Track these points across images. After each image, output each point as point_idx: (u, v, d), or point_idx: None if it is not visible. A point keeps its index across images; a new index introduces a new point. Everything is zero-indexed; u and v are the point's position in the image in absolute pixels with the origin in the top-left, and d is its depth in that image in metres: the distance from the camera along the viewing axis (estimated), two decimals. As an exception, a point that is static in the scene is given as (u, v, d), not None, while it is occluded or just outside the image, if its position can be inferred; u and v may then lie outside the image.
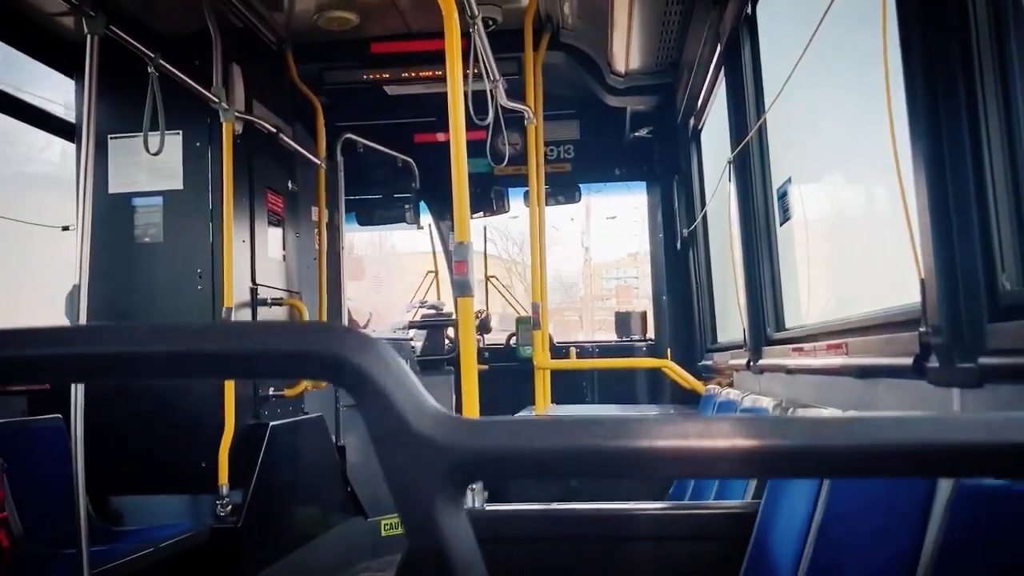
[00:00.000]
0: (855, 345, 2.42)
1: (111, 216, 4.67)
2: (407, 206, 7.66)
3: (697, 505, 2.84)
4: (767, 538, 2.43)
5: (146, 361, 0.59)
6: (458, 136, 2.83)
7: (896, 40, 1.84)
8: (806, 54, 2.85)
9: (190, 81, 4.38)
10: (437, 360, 7.17)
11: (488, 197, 7.66)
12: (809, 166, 3.56)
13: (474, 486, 2.65)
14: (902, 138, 1.83)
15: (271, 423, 4.87)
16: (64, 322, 4.07)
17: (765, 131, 3.80)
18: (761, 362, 3.73)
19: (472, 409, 2.71)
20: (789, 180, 3.57)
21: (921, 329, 1.82)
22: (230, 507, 4.45)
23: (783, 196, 3.60)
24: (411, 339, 7.22)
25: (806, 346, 3.00)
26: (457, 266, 2.79)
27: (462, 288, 2.78)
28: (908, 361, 1.91)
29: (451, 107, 2.88)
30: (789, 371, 3.19)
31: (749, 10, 3.81)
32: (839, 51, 2.78)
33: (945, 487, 1.40)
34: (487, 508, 2.63)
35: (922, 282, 1.81)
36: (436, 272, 8.64)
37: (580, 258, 29.50)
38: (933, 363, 1.80)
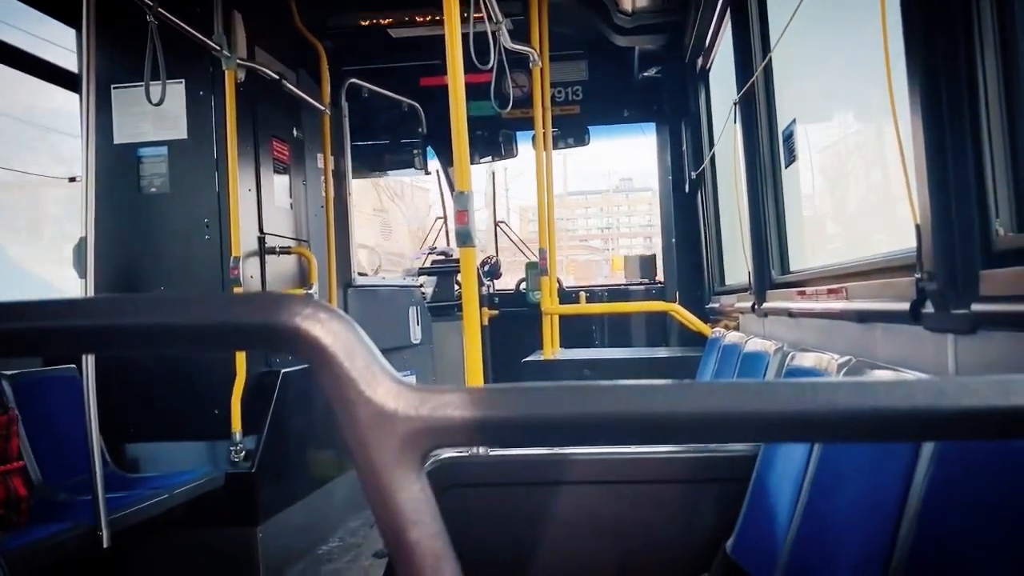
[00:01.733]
0: (854, 290, 2.42)
1: (117, 167, 4.68)
2: (415, 151, 7.62)
3: (698, 448, 2.87)
4: (767, 477, 2.46)
5: (86, 335, 0.60)
6: (456, 81, 2.80)
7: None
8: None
9: (190, 29, 4.34)
10: (447, 306, 7.20)
11: (496, 141, 7.60)
12: (815, 108, 3.52)
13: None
14: (899, 82, 1.80)
15: (283, 370, 4.92)
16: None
17: (771, 72, 3.74)
18: (765, 305, 3.73)
19: (475, 360, 2.73)
20: (794, 122, 3.53)
21: (916, 275, 1.81)
22: (244, 453, 4.52)
23: (788, 138, 3.56)
24: (421, 285, 7.24)
25: (808, 290, 3.00)
26: (458, 216, 2.78)
27: (463, 238, 2.78)
28: (905, 307, 1.91)
29: (449, 50, 2.86)
30: (792, 314, 3.19)
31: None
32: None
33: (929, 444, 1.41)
34: (491, 453, 2.67)
35: (917, 228, 1.80)
36: (445, 218, 8.63)
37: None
38: (928, 309, 1.80)
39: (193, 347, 0.60)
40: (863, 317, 2.30)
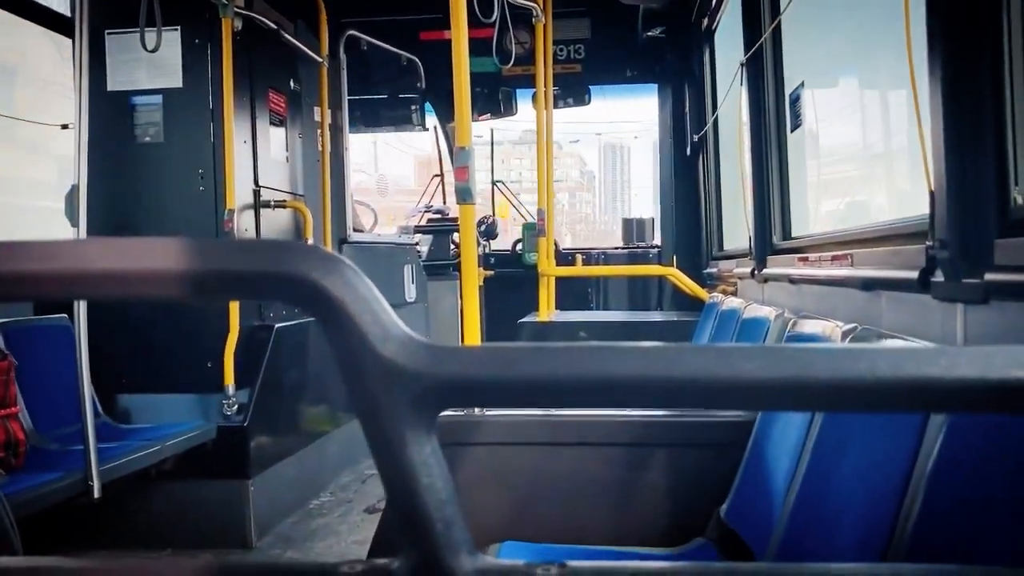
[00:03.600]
0: (860, 257, 2.38)
1: (111, 115, 4.60)
2: (413, 107, 7.53)
3: (698, 414, 2.86)
4: (764, 443, 2.45)
5: (88, 279, 0.56)
6: (460, 35, 2.73)
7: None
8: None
9: None
10: (443, 265, 7.16)
11: (496, 98, 7.51)
12: (824, 70, 3.46)
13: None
14: (918, 45, 1.75)
15: (276, 325, 4.89)
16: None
17: (779, 33, 3.67)
18: (766, 271, 3.70)
19: (472, 319, 2.70)
20: (802, 84, 3.47)
21: (927, 243, 1.78)
22: (236, 407, 4.50)
23: (795, 101, 3.50)
24: (416, 244, 7.19)
25: (811, 256, 2.96)
26: (458, 172, 2.73)
27: (463, 195, 2.73)
28: (913, 275, 1.88)
29: (453, 3, 2.78)
30: (793, 281, 3.16)
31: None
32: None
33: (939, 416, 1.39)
34: (485, 413, 2.65)
35: (931, 194, 1.76)
36: (442, 175, 8.54)
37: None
38: (938, 278, 1.77)
39: (195, 295, 0.57)
40: (868, 285, 2.27)
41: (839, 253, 2.59)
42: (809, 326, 2.40)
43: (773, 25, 3.61)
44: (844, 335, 2.06)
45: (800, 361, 0.55)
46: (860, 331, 2.00)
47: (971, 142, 1.64)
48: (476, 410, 2.63)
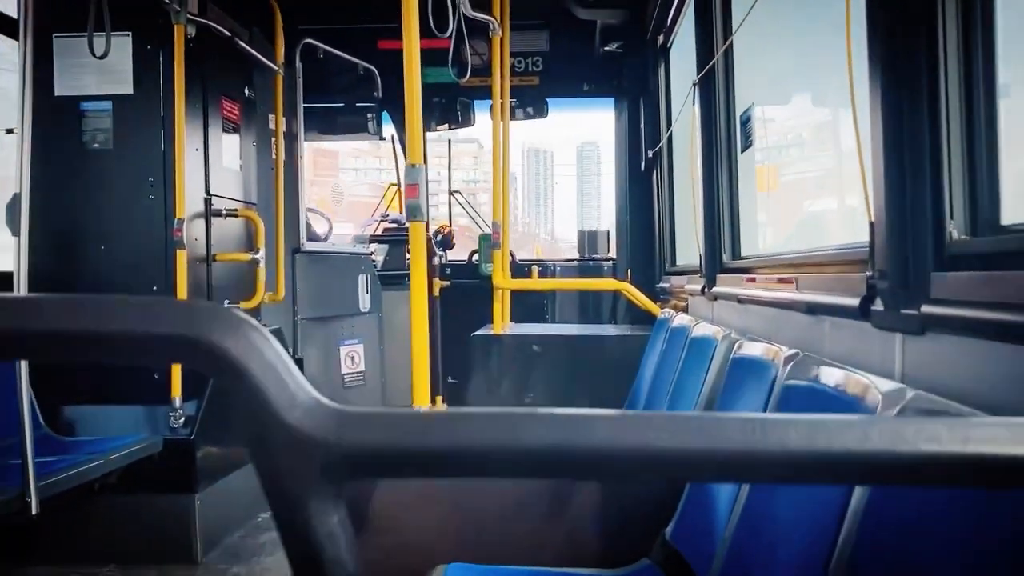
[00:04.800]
0: (804, 281, 2.41)
1: (57, 121, 4.51)
2: (370, 115, 7.49)
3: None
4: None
5: None
6: (412, 51, 2.72)
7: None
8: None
9: None
10: (399, 275, 7.12)
11: (453, 108, 7.50)
12: (775, 93, 3.51)
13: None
14: (860, 76, 1.78)
15: None
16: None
17: (731, 54, 3.71)
18: (715, 289, 3.73)
19: (421, 340, 2.68)
20: (752, 106, 3.51)
21: (867, 273, 1.80)
22: (183, 419, 4.43)
23: (746, 122, 3.54)
24: (372, 253, 7.15)
25: (758, 277, 2.99)
26: (409, 190, 2.71)
27: (413, 212, 2.71)
28: (854, 302, 1.90)
29: (405, 18, 2.77)
30: (740, 300, 3.19)
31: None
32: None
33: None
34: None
35: (871, 224, 1.79)
36: (399, 184, 8.50)
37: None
38: (878, 307, 1.80)
39: (81, 354, 0.54)
40: (812, 309, 2.29)
41: (784, 276, 2.62)
42: (753, 349, 2.41)
43: (725, 46, 3.65)
44: (786, 360, 2.08)
45: (714, 433, 0.55)
46: (801, 358, 2.02)
47: (910, 176, 1.66)
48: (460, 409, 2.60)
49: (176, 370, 4.38)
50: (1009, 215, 1.53)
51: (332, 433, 0.54)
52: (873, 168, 1.76)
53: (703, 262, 4.00)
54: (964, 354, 1.46)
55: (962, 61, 1.57)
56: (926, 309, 1.57)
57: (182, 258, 4.41)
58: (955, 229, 1.59)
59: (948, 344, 1.52)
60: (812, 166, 3.73)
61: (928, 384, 1.57)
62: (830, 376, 1.75)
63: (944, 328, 1.52)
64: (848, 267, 2.13)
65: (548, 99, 7.30)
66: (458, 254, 8.32)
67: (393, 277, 7.09)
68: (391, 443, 0.55)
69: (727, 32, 3.67)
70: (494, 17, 5.33)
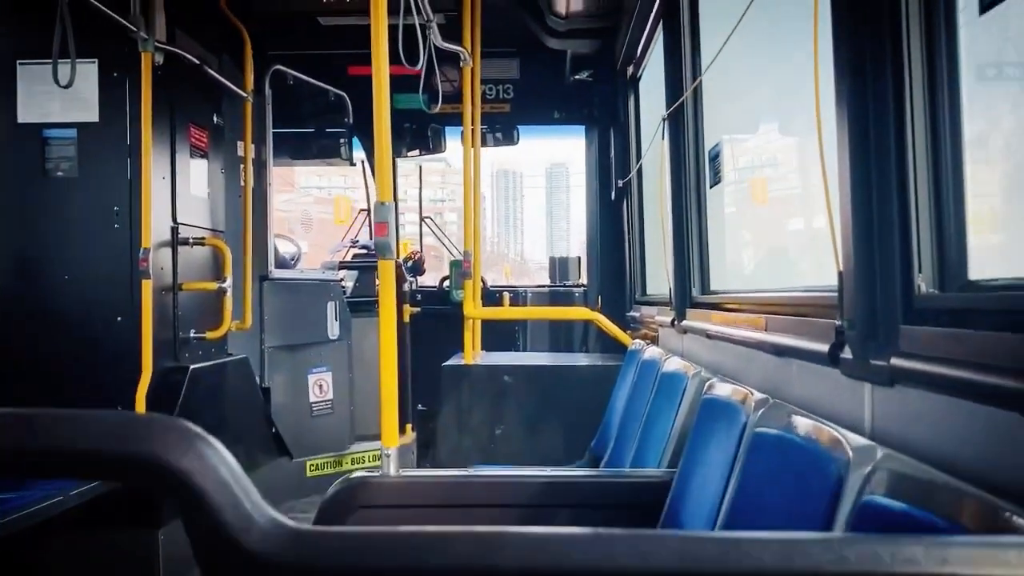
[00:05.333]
0: (774, 323, 2.41)
1: (21, 148, 4.45)
2: (341, 141, 7.46)
3: (613, 473, 2.85)
4: (680, 506, 2.45)
5: None
6: (381, 95, 2.71)
7: (828, 36, 1.79)
8: (747, 17, 2.78)
9: (105, 8, 4.13)
10: (368, 301, 7.07)
11: (424, 135, 7.51)
12: (744, 131, 3.53)
13: (389, 452, 2.61)
14: (829, 132, 1.79)
15: (192, 366, 4.75)
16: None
17: (701, 92, 3.74)
18: (685, 323, 3.74)
19: (390, 375, 2.65)
20: (721, 142, 3.53)
21: (837, 321, 1.81)
22: (147, 452, 4.35)
23: (715, 158, 3.56)
24: (341, 280, 7.10)
25: (728, 315, 3.00)
26: (378, 227, 2.69)
27: (383, 250, 2.69)
28: (823, 348, 1.90)
29: (374, 51, 2.76)
30: (710, 336, 3.19)
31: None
32: (777, 23, 2.72)
33: (848, 499, 1.40)
34: (402, 474, 2.60)
35: (840, 274, 1.79)
36: (369, 210, 8.46)
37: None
38: (847, 354, 1.80)
39: (27, 472, 0.52)
40: (780, 351, 2.29)
41: (753, 316, 2.62)
42: (723, 391, 2.41)
43: (695, 84, 3.67)
44: (756, 405, 2.08)
45: (688, 552, 0.53)
46: (772, 404, 2.01)
47: (879, 227, 1.67)
48: (387, 470, 2.58)
49: (141, 402, 4.31)
50: (976, 270, 1.53)
51: (291, 555, 0.51)
52: (841, 217, 1.77)
53: (673, 295, 4.01)
54: (933, 409, 1.46)
55: (929, 116, 1.58)
56: (895, 361, 1.57)
57: (148, 288, 4.35)
58: (923, 282, 1.60)
59: (917, 398, 1.52)
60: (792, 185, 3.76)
61: (898, 438, 1.57)
62: (801, 426, 1.75)
63: (913, 382, 1.52)
64: (818, 310, 2.14)
65: (519, 126, 7.32)
66: (428, 277, 8.30)
67: (363, 304, 7.04)
68: (351, 564, 0.53)
69: (696, 70, 3.70)
70: (465, 48, 5.34)
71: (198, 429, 0.52)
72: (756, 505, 1.86)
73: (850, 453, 1.48)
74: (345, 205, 10.20)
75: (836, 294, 1.85)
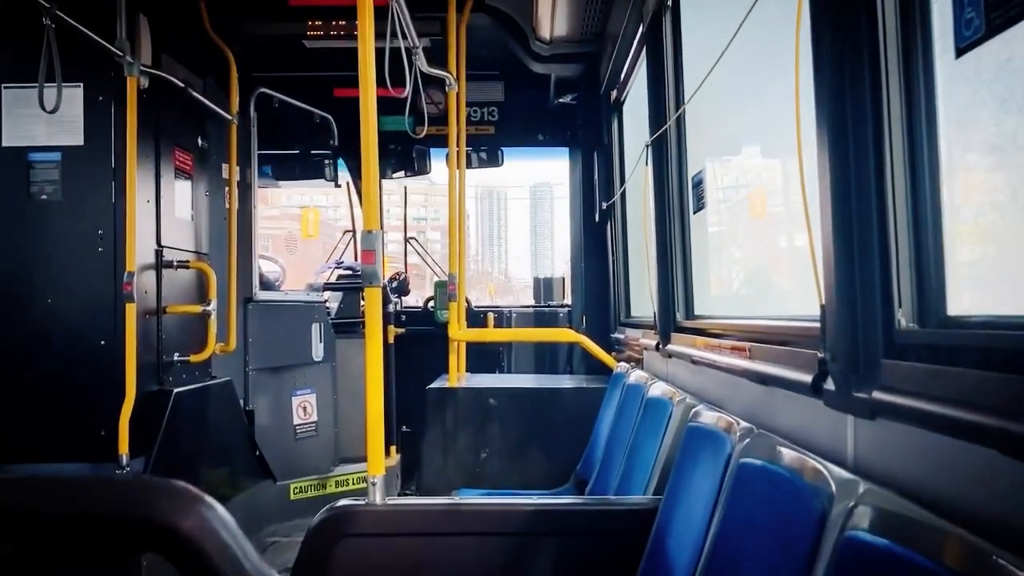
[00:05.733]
0: (758, 351, 2.44)
1: (5, 171, 4.44)
2: (326, 162, 7.49)
3: (599, 501, 2.86)
4: (666, 535, 2.46)
5: None
6: (369, 127, 2.73)
7: (808, 75, 1.82)
8: (730, 46, 2.82)
9: (91, 34, 4.14)
10: (353, 323, 7.07)
11: (410, 156, 7.54)
12: (725, 159, 3.57)
13: (375, 480, 2.61)
14: (811, 166, 1.82)
15: (175, 390, 4.74)
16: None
17: (683, 119, 3.78)
18: (669, 347, 3.76)
19: (376, 408, 2.65)
20: (703, 170, 3.57)
21: (819, 354, 1.83)
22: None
23: (698, 185, 3.60)
24: (325, 301, 7.09)
25: (712, 341, 3.02)
26: (365, 255, 2.70)
27: (370, 278, 2.70)
28: (807, 378, 1.93)
29: (361, 78, 2.78)
30: (695, 361, 3.21)
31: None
32: (760, 49, 2.76)
33: (832, 533, 1.42)
34: (388, 502, 2.60)
35: (822, 307, 1.82)
36: (354, 231, 8.47)
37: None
38: (830, 386, 1.82)
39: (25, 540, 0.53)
40: (765, 380, 2.32)
41: (738, 344, 2.64)
42: (709, 419, 2.43)
43: (679, 112, 3.71)
44: (741, 436, 2.10)
45: None
46: (757, 434, 2.04)
47: (859, 262, 1.70)
48: (373, 499, 2.58)
49: (124, 425, 4.29)
50: (955, 305, 1.56)
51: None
52: (823, 251, 1.80)
53: (657, 319, 4.03)
54: (914, 444, 1.48)
55: (908, 157, 1.62)
56: (877, 395, 1.59)
57: (132, 312, 4.34)
58: (903, 317, 1.63)
59: (899, 432, 1.54)
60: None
61: (880, 471, 1.60)
62: (785, 458, 1.77)
63: (894, 415, 1.55)
64: (800, 342, 2.16)
65: (503, 147, 7.37)
66: (412, 294, 8.30)
67: (347, 325, 7.04)
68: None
69: (679, 97, 3.74)
70: (450, 72, 5.38)
71: (197, 491, 0.53)
72: (741, 536, 1.88)
73: (833, 487, 1.50)
74: (314, 217, 10.16)
75: (819, 324, 1.88)
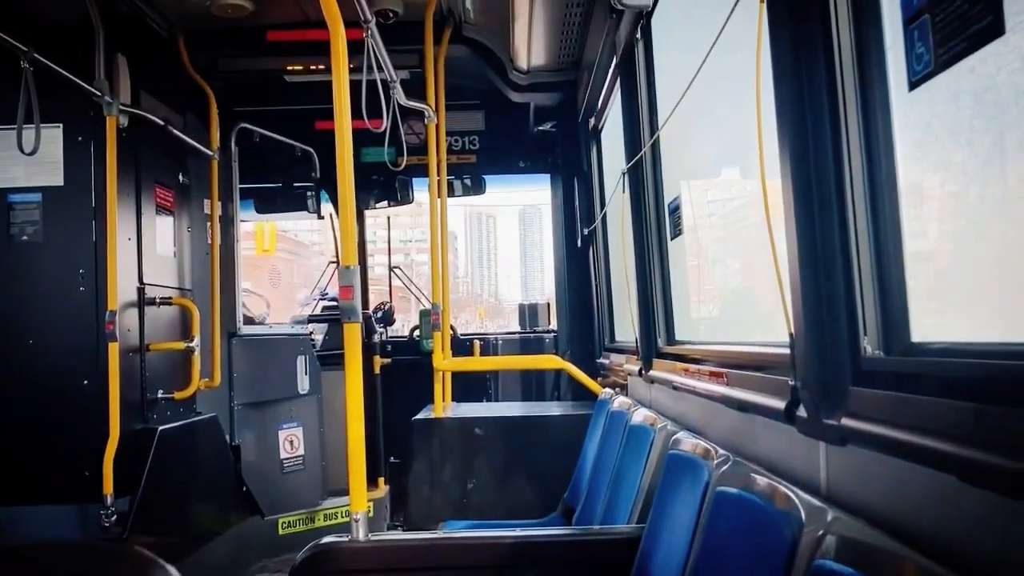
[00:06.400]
0: (734, 377, 2.46)
1: None
2: (309, 195, 7.50)
3: (582, 531, 2.87)
4: (648, 564, 2.47)
5: None
6: (345, 166, 2.75)
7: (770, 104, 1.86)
8: (700, 71, 2.86)
9: (69, 75, 4.17)
10: (338, 355, 7.05)
11: (392, 187, 7.57)
12: (700, 183, 3.61)
13: (358, 516, 2.61)
14: (775, 197, 1.85)
15: (160, 427, 4.72)
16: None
17: (658, 146, 3.82)
18: (652, 373, 3.78)
19: (358, 444, 2.66)
20: (680, 196, 3.61)
21: (790, 381, 1.85)
22: (115, 516, 4.31)
23: (675, 211, 3.63)
24: (310, 333, 7.09)
25: (691, 367, 3.04)
26: (343, 291, 2.72)
27: (348, 314, 2.71)
28: (780, 405, 1.95)
29: (339, 137, 2.81)
30: (676, 388, 3.23)
31: (643, 24, 3.82)
32: (735, 71, 2.80)
33: (802, 561, 1.44)
34: (371, 538, 2.60)
35: (791, 336, 1.84)
36: (338, 262, 8.47)
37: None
38: (802, 413, 1.84)
39: None
40: (742, 407, 2.34)
41: (716, 370, 2.67)
42: (688, 446, 2.45)
43: (652, 139, 3.76)
44: (718, 464, 2.11)
45: None
46: (732, 463, 2.05)
47: (825, 291, 1.72)
48: (356, 535, 2.58)
49: (108, 465, 4.27)
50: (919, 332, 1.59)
51: None
52: (791, 280, 1.82)
53: (639, 345, 4.05)
54: (883, 470, 1.50)
55: (869, 187, 1.65)
56: (846, 422, 1.61)
57: (114, 351, 4.33)
58: (869, 344, 1.65)
59: (868, 458, 1.56)
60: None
61: (850, 497, 1.62)
62: (758, 485, 1.79)
63: (863, 442, 1.57)
64: (775, 366, 2.18)
65: (485, 175, 7.41)
66: (400, 321, 8.29)
67: (333, 357, 7.02)
68: None
69: (653, 125, 3.79)
70: (429, 105, 5.42)
71: (150, 555, 0.55)
72: (719, 564, 1.89)
73: (803, 514, 1.52)
74: (270, 232, 9.98)
75: (789, 352, 1.90)
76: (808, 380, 1.77)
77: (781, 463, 2.00)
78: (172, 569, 0.53)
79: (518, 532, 2.67)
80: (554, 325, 7.80)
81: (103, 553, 0.54)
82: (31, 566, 0.47)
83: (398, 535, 2.59)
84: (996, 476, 1.12)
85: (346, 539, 2.58)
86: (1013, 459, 1.09)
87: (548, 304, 8.23)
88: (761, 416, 2.21)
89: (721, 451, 2.20)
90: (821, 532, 1.42)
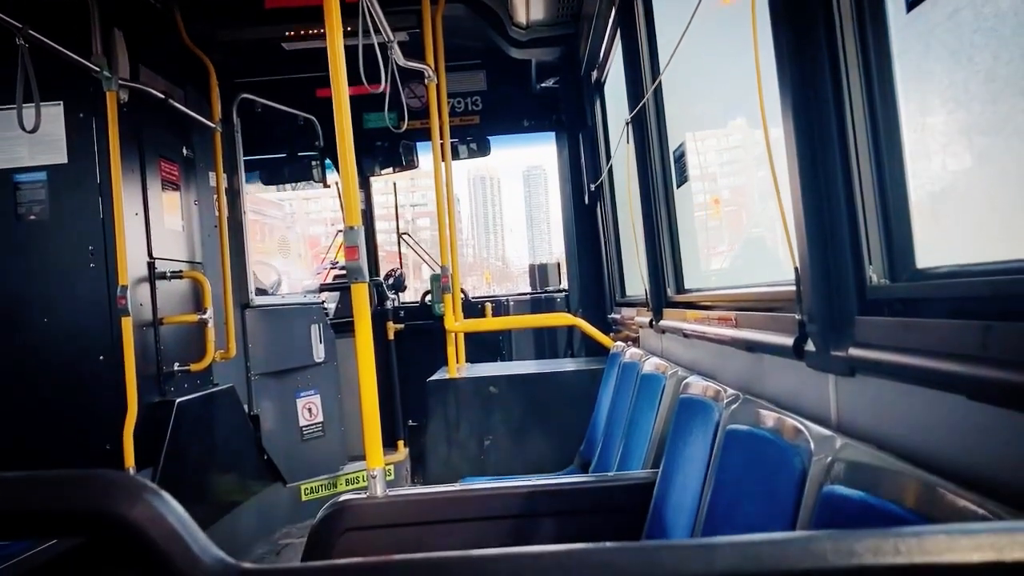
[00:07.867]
0: (744, 319, 2.45)
1: None
2: (313, 163, 7.49)
3: (598, 478, 2.88)
4: (663, 506, 2.48)
5: None
6: (343, 123, 2.74)
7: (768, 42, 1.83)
8: (698, 17, 2.83)
9: (66, 51, 4.15)
10: (351, 322, 7.07)
11: (396, 152, 7.54)
12: (705, 129, 3.58)
13: (375, 473, 2.63)
14: (776, 130, 1.83)
15: (177, 399, 4.76)
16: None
17: (661, 94, 3.79)
18: (662, 323, 3.78)
19: (371, 397, 2.68)
20: (684, 143, 3.58)
21: (797, 316, 1.85)
22: (137, 491, 4.35)
23: (680, 158, 3.61)
24: (323, 302, 7.11)
25: (700, 313, 3.04)
26: (348, 251, 2.72)
27: (355, 274, 2.72)
28: (789, 342, 1.94)
29: (336, 101, 2.78)
30: (686, 335, 3.23)
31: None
32: (724, 22, 2.77)
33: (812, 489, 1.44)
34: (389, 493, 2.62)
35: (796, 270, 1.83)
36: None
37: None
38: (810, 347, 1.83)
39: None
40: (752, 347, 2.33)
41: (725, 314, 2.66)
42: (698, 389, 2.45)
43: (655, 85, 3.72)
44: (728, 403, 2.12)
45: (649, 559, 0.56)
46: (742, 401, 2.05)
47: (829, 222, 1.71)
48: (375, 491, 2.61)
49: (128, 439, 4.31)
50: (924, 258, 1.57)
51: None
52: (794, 216, 1.81)
53: (649, 296, 4.05)
54: (891, 397, 1.50)
55: (869, 117, 1.63)
56: (853, 352, 1.60)
57: (128, 326, 4.36)
58: (875, 273, 1.64)
59: (876, 386, 1.56)
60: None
61: (861, 426, 1.62)
62: (768, 420, 1.79)
63: (871, 371, 1.56)
64: (783, 304, 2.17)
65: (490, 136, 7.36)
66: (412, 288, 8.30)
67: (346, 325, 7.04)
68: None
69: (655, 72, 3.75)
70: (428, 65, 5.38)
71: (142, 480, 0.55)
72: (732, 500, 1.90)
73: (812, 445, 1.52)
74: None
75: (795, 287, 1.89)
76: (815, 314, 1.76)
77: (791, 400, 1.99)
78: (164, 493, 0.53)
79: (534, 481, 2.69)
80: (565, 284, 7.79)
81: (94, 479, 0.54)
82: (18, 493, 0.48)
83: (416, 489, 2.62)
84: (1006, 391, 1.11)
85: (364, 496, 2.61)
86: (1022, 373, 1.08)
87: (558, 264, 8.21)
88: (770, 355, 2.21)
89: (731, 391, 2.20)
90: (830, 459, 1.42)
